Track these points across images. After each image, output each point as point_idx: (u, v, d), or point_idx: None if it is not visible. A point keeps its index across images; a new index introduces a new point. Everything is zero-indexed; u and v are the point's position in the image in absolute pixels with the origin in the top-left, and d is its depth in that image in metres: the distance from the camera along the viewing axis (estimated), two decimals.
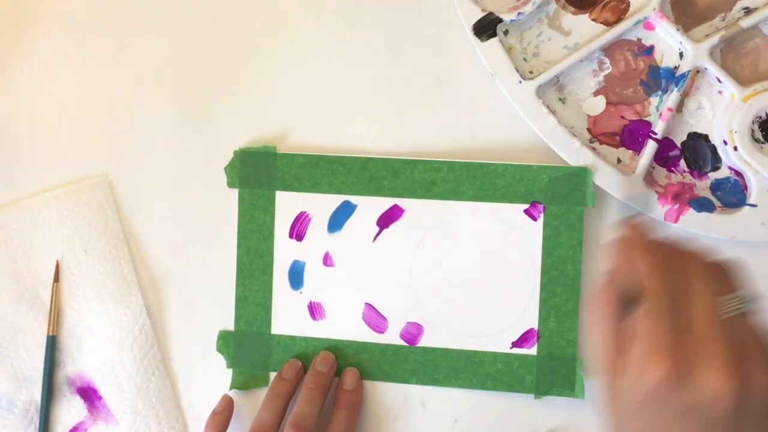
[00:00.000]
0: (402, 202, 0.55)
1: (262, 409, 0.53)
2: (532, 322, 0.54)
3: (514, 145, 0.55)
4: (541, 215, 0.54)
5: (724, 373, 0.34)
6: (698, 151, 0.54)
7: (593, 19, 0.55)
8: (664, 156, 0.54)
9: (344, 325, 0.56)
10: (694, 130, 0.54)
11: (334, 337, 0.56)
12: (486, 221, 0.55)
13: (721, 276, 0.39)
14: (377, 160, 0.55)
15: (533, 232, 0.54)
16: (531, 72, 0.55)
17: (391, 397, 0.55)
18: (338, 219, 0.56)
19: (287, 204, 0.56)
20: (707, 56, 0.53)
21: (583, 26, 0.55)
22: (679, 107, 0.54)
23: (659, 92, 0.54)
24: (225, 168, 0.56)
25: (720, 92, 0.54)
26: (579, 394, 0.54)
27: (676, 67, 0.54)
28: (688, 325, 0.36)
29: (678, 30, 0.53)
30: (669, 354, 0.35)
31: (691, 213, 0.53)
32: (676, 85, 0.53)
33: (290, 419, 0.52)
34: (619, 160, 0.55)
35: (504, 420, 0.55)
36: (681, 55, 0.54)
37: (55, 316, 0.56)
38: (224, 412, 0.55)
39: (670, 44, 0.54)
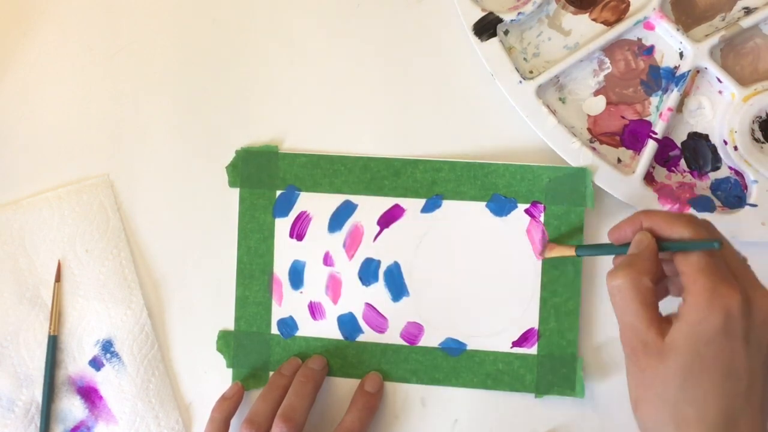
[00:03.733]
0: (403, 201, 0.55)
1: (258, 400, 0.53)
2: (533, 321, 0.54)
3: (514, 145, 0.55)
4: (542, 215, 0.54)
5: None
6: (698, 151, 0.54)
7: (593, 19, 0.55)
8: (665, 156, 0.54)
9: (344, 325, 0.56)
10: (694, 130, 0.54)
11: (334, 337, 0.56)
12: (486, 221, 0.55)
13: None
14: (378, 160, 0.55)
15: (533, 232, 0.54)
16: (531, 72, 0.55)
17: (392, 397, 0.56)
18: (339, 219, 0.56)
19: (288, 204, 0.56)
20: (707, 56, 0.53)
21: (583, 26, 0.55)
22: (680, 107, 0.54)
23: (659, 92, 0.54)
24: (226, 167, 0.56)
25: (720, 92, 0.54)
26: (579, 393, 0.54)
27: (676, 67, 0.54)
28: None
29: (678, 30, 0.53)
30: (734, 285, 0.40)
31: (691, 213, 0.53)
32: (677, 85, 0.54)
33: (280, 411, 0.52)
34: (619, 160, 0.55)
35: (504, 419, 0.55)
36: (681, 55, 0.54)
37: (57, 315, 0.57)
38: (233, 398, 0.55)
39: (670, 44, 0.54)
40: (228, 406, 0.55)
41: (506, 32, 0.55)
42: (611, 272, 0.43)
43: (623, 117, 0.55)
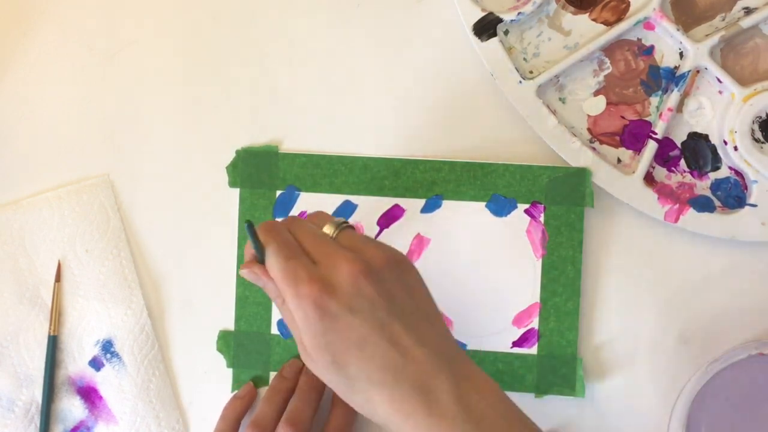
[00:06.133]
0: (403, 201, 0.55)
1: (261, 404, 0.53)
2: (533, 321, 0.54)
3: (514, 145, 0.55)
4: (542, 215, 0.54)
5: (349, 264, 0.41)
6: (698, 151, 0.54)
7: (593, 19, 0.55)
8: (665, 156, 0.54)
9: None
10: (694, 130, 0.54)
11: None
12: (486, 221, 0.55)
13: (319, 217, 0.46)
14: (378, 160, 0.55)
15: (533, 232, 0.54)
16: (531, 72, 0.55)
17: None
18: None
19: (288, 204, 0.56)
20: (707, 56, 0.53)
21: (583, 26, 0.55)
22: (680, 107, 0.54)
23: (659, 92, 0.54)
24: (227, 167, 0.56)
25: (720, 92, 0.54)
26: (579, 393, 0.54)
27: (676, 67, 0.54)
28: (311, 256, 0.42)
29: (678, 30, 0.53)
30: (309, 279, 0.40)
31: (691, 213, 0.53)
32: (676, 85, 0.54)
33: (285, 416, 0.52)
34: (619, 160, 0.55)
35: None
36: (681, 55, 0.54)
37: (57, 315, 0.57)
38: (245, 399, 0.55)
39: (670, 44, 0.54)
40: (239, 405, 0.55)
41: (506, 32, 0.55)
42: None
43: (623, 117, 0.55)
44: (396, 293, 0.42)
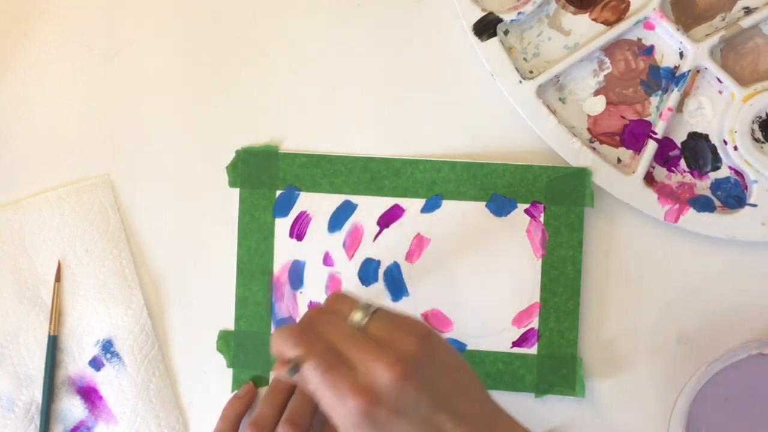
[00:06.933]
0: (403, 201, 0.55)
1: (261, 404, 0.53)
2: (533, 321, 0.54)
3: (514, 145, 0.55)
4: (542, 215, 0.54)
5: (390, 368, 0.41)
6: (698, 151, 0.54)
7: (593, 19, 0.55)
8: (665, 156, 0.54)
9: None
10: (694, 129, 0.54)
11: None
12: (486, 221, 0.55)
13: (342, 302, 0.45)
14: (378, 160, 0.55)
15: (533, 232, 0.54)
16: (531, 72, 0.55)
17: None
18: (339, 219, 0.56)
19: (288, 204, 0.56)
20: (707, 56, 0.53)
21: (583, 26, 0.55)
22: (680, 107, 0.54)
23: (659, 92, 0.54)
24: (227, 167, 0.56)
25: (720, 92, 0.54)
26: (579, 393, 0.54)
27: (676, 67, 0.54)
28: (347, 361, 0.42)
29: (678, 30, 0.53)
30: (353, 391, 0.41)
31: (691, 213, 0.53)
32: (676, 85, 0.54)
33: (285, 416, 0.52)
34: (619, 160, 0.55)
35: None
36: (681, 55, 0.54)
37: (57, 315, 0.57)
38: (245, 398, 0.55)
39: (670, 44, 0.54)
40: (240, 405, 0.55)
41: (506, 32, 0.55)
42: None
43: (623, 117, 0.55)
44: (434, 380, 0.42)
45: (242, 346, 0.56)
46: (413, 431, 0.41)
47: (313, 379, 0.42)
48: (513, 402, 0.55)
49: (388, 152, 0.56)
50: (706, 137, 0.54)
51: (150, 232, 0.57)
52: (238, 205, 0.56)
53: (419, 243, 0.55)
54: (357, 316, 0.44)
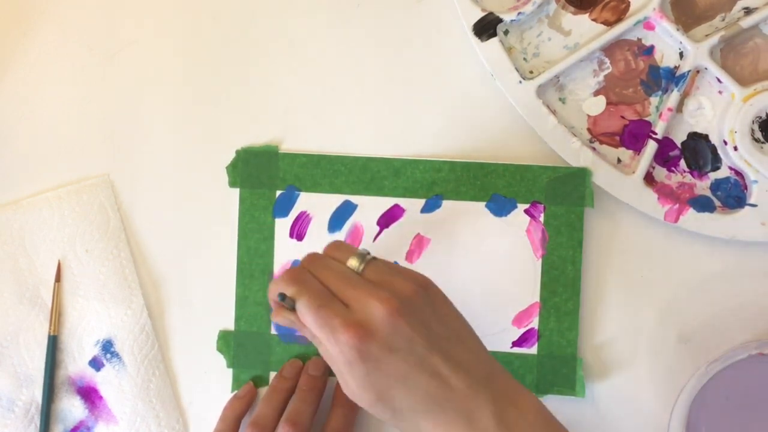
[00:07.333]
0: (403, 201, 0.55)
1: (261, 404, 0.53)
2: (533, 321, 0.54)
3: (514, 145, 0.55)
4: (542, 215, 0.54)
5: (383, 304, 0.41)
6: (698, 151, 0.54)
7: (593, 19, 0.55)
8: (664, 156, 0.54)
9: None
10: (694, 130, 0.54)
11: None
12: (486, 221, 0.55)
13: (340, 249, 0.46)
14: (378, 160, 0.55)
15: (533, 232, 0.54)
16: (531, 72, 0.55)
17: None
18: (339, 219, 0.56)
19: (288, 204, 0.56)
20: (707, 56, 0.53)
21: (583, 26, 0.55)
22: (679, 107, 0.54)
23: (659, 92, 0.54)
24: (227, 167, 0.56)
25: (720, 92, 0.54)
26: (579, 393, 0.54)
27: (676, 67, 0.54)
28: (342, 299, 0.43)
29: (678, 30, 0.53)
30: (345, 326, 0.41)
31: (691, 213, 0.53)
32: (676, 85, 0.54)
33: (285, 416, 0.52)
34: (619, 160, 0.55)
35: None
36: (681, 55, 0.54)
37: (57, 315, 0.57)
38: (245, 398, 0.55)
39: (670, 44, 0.54)
40: (240, 405, 0.55)
41: (506, 32, 0.55)
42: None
43: (623, 117, 0.55)
44: (429, 322, 0.43)
45: (242, 346, 0.56)
46: (407, 370, 0.41)
47: (307, 315, 0.42)
48: None
49: (388, 152, 0.56)
50: (706, 137, 0.54)
51: (150, 232, 0.57)
52: (238, 205, 0.56)
53: (419, 243, 0.55)
54: (354, 262, 0.44)
